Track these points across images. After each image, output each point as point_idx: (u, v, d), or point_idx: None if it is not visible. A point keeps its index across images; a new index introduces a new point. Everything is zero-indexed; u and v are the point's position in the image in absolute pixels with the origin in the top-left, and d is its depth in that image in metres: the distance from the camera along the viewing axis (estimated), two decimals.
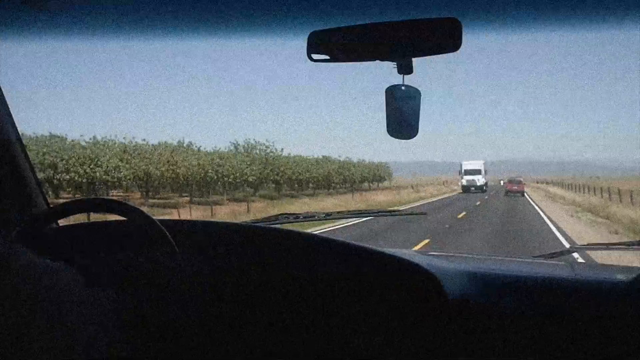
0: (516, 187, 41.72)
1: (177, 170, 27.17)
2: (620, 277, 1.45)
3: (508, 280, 1.27)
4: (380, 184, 58.13)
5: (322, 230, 12.95)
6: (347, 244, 1.18)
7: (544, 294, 1.21)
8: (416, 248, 11.48)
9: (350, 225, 15.48)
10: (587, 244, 2.35)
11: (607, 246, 2.03)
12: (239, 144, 37.91)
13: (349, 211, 2.58)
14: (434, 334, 1.13)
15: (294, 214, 2.25)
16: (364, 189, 48.97)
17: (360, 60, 1.20)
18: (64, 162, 22.45)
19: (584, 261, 7.10)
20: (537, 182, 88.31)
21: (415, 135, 1.26)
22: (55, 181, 22.89)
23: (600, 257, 8.13)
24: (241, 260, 1.18)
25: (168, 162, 26.92)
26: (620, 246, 1.99)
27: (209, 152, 32.67)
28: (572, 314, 1.17)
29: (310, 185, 41.78)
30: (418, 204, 31.65)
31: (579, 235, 14.13)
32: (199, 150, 32.75)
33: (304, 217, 2.25)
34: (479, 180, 50.44)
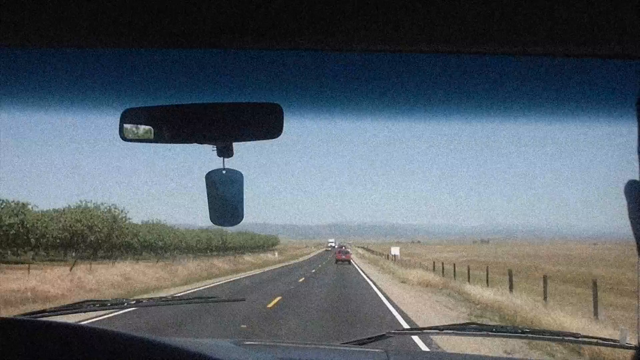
0: (344, 257, 50.55)
1: None
2: None
3: None
4: (273, 247, 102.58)
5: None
6: (133, 337, 0.95)
7: None
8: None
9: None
10: (402, 329, 2.31)
11: (422, 330, 2.12)
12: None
13: (161, 298, 2.55)
14: None
15: (100, 300, 2.10)
16: (265, 250, 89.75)
17: (176, 142, 1.14)
18: None
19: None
20: (358, 247, 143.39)
21: (240, 221, 1.18)
22: None
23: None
24: None
25: None
26: (433, 330, 2.04)
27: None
28: None
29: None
30: (304, 258, 68.93)
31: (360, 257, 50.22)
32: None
33: (112, 304, 2.11)
34: (334, 245, 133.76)
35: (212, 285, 22.69)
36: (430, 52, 0.81)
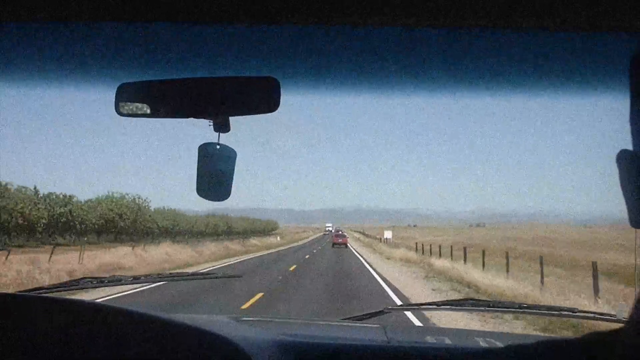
0: (341, 240, 52.72)
1: None
2: (430, 339, 1.52)
3: (321, 348, 1.26)
4: (273, 232, 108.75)
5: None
6: (131, 312, 0.96)
7: None
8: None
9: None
10: (399, 305, 2.33)
11: (419, 306, 2.11)
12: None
13: (158, 274, 2.49)
14: None
15: (98, 277, 2.11)
16: (267, 234, 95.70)
17: (172, 117, 1.14)
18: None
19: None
20: (354, 231, 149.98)
21: (227, 197, 1.18)
22: None
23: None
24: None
25: None
26: (430, 306, 2.04)
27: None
28: None
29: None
30: (304, 241, 75.32)
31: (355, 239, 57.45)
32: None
33: (109, 281, 2.09)
34: (331, 229, 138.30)
35: (236, 261, 28.68)
36: (427, 26, 0.80)
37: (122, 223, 44.77)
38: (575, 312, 1.87)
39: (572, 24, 0.76)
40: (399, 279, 18.38)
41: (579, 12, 0.73)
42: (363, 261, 29.56)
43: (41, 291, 1.82)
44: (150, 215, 50.41)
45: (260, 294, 12.37)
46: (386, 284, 16.50)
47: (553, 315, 1.95)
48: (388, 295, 13.59)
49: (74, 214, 38.69)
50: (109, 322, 0.94)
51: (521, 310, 2.00)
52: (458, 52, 1.01)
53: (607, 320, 1.83)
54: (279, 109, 1.09)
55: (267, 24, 0.84)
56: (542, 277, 15.47)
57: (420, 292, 14.32)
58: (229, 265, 25.67)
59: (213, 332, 1.00)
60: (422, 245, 36.41)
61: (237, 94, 1.10)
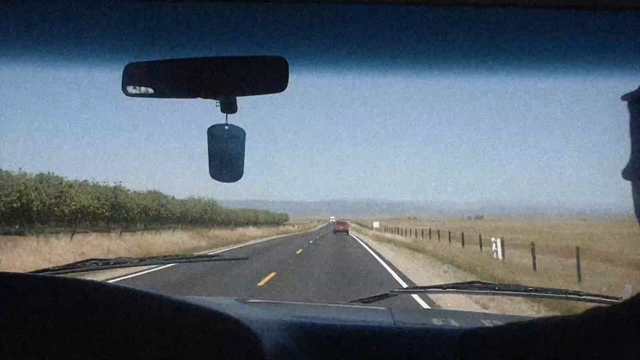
0: (342, 227, 59.61)
1: None
2: (436, 321, 1.55)
3: (329, 329, 1.26)
4: (286, 222, 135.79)
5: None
6: (136, 291, 0.95)
7: (365, 343, 1.18)
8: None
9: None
10: (405, 288, 2.41)
11: (425, 289, 2.20)
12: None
13: (164, 256, 2.51)
14: None
15: (103, 259, 2.14)
16: (282, 224, 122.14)
17: (179, 97, 1.16)
18: None
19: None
20: (353, 222, 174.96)
21: (240, 177, 1.20)
22: None
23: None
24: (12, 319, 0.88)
25: None
26: (437, 289, 2.11)
27: None
28: None
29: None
30: (315, 228, 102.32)
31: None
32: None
33: (115, 263, 2.13)
34: (334, 221, 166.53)
35: (284, 236, 54.20)
36: (444, 4, 0.78)
37: (206, 217, 70.89)
38: (582, 295, 1.91)
39: (580, 2, 0.74)
40: (364, 239, 44.99)
41: None
42: (354, 237, 55.80)
43: (47, 272, 1.86)
44: (217, 211, 76.78)
45: (317, 237, 39.29)
46: (360, 240, 43.02)
47: (559, 297, 2.00)
48: (358, 242, 39.32)
49: (187, 211, 65.01)
50: (114, 302, 0.93)
51: (527, 293, 2.01)
52: (461, 34, 0.99)
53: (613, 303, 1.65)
54: (285, 95, 1.08)
55: (276, 2, 0.83)
56: (448, 240, 40.46)
57: (369, 241, 40.55)
58: (287, 236, 51.48)
59: (219, 311, 0.98)
60: (390, 229, 62.49)
61: (245, 74, 1.11)
